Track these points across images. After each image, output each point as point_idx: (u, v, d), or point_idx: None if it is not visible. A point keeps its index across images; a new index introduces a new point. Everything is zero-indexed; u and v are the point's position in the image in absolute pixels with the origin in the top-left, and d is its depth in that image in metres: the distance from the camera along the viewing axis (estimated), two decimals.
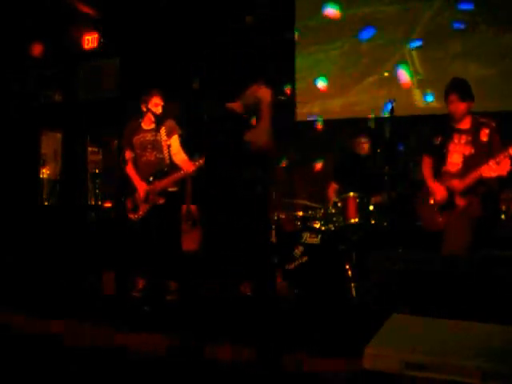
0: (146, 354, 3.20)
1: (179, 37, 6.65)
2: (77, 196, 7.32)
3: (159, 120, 4.41)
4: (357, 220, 4.54)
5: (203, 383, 2.89)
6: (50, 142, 7.82)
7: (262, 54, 6.34)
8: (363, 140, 5.29)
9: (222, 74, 6.54)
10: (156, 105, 4.39)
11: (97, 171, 7.49)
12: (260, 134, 3.86)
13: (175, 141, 4.45)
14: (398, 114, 4.85)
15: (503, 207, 4.57)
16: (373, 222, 4.54)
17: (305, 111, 6.42)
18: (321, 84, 6.41)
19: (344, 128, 6.11)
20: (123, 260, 4.76)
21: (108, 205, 7.07)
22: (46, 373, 3.02)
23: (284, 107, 6.35)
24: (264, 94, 4.00)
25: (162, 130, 4.41)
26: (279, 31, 6.45)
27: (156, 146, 4.41)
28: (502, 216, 4.58)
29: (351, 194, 4.59)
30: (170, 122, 4.48)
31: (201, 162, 4.19)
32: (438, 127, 4.05)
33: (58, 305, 4.10)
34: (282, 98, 6.06)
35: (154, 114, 4.39)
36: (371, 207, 4.56)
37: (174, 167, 4.41)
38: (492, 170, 3.57)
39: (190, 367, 3.04)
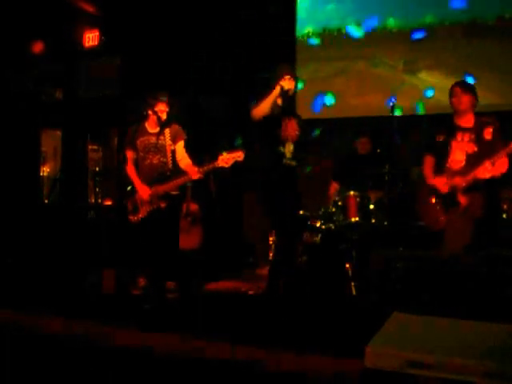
0: (146, 353, 3.20)
1: (180, 35, 6.65)
2: (77, 194, 7.30)
3: (164, 124, 4.40)
4: (357, 219, 4.53)
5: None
6: (50, 140, 7.82)
7: (263, 53, 6.34)
8: (365, 140, 5.31)
9: (222, 73, 6.55)
10: (161, 111, 4.36)
11: (97, 169, 7.48)
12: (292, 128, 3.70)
13: (180, 146, 4.42)
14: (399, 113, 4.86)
15: (505, 206, 4.57)
16: (373, 221, 4.54)
17: (306, 110, 6.42)
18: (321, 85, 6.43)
19: (345, 128, 6.11)
20: (123, 258, 4.76)
21: (108, 203, 7.05)
22: (46, 372, 3.02)
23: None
24: (289, 85, 3.79)
25: (167, 134, 4.38)
26: (280, 31, 6.46)
27: (160, 149, 4.38)
28: (504, 215, 4.57)
29: (351, 192, 4.59)
30: (175, 127, 4.44)
31: (208, 167, 4.16)
32: (441, 125, 4.02)
33: (58, 303, 4.09)
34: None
35: (159, 119, 4.37)
36: (371, 206, 4.55)
37: (177, 171, 4.39)
38: (487, 170, 3.60)
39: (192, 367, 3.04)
